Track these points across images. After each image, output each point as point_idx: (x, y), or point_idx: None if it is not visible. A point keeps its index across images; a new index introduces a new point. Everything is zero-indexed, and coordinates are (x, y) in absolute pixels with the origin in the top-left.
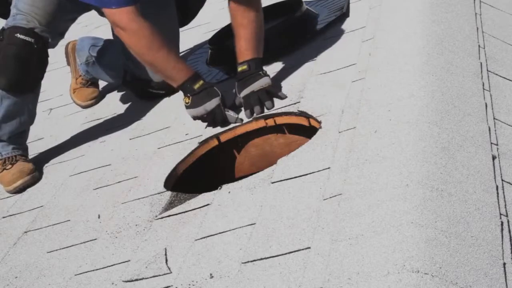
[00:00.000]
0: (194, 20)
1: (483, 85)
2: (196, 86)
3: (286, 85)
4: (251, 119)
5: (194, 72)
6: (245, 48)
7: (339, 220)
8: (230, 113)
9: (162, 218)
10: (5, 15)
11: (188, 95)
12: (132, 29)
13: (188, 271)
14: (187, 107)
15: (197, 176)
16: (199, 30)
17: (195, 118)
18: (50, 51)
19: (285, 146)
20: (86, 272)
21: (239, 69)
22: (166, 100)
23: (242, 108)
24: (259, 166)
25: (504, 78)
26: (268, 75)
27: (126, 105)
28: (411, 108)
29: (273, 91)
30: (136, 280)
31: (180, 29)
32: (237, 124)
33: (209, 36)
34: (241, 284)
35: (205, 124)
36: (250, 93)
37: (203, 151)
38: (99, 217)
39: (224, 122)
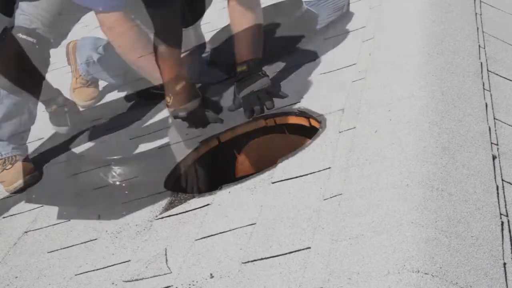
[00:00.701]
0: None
1: (483, 85)
2: (178, 87)
3: (286, 85)
4: (251, 119)
5: (177, 73)
6: (244, 49)
7: (339, 220)
8: (210, 113)
9: (162, 218)
10: (10, 14)
11: (170, 95)
12: (117, 30)
13: (188, 271)
14: (168, 106)
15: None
16: None
17: (175, 117)
18: (50, 50)
19: (285, 146)
20: (86, 272)
21: (238, 69)
22: None
23: (242, 108)
24: (259, 166)
25: (504, 78)
26: (267, 75)
27: (126, 105)
28: (411, 108)
29: (273, 91)
30: (136, 280)
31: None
32: (217, 123)
33: (209, 36)
34: (241, 284)
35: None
36: (250, 93)
37: (203, 151)
38: (99, 217)
39: (204, 122)
